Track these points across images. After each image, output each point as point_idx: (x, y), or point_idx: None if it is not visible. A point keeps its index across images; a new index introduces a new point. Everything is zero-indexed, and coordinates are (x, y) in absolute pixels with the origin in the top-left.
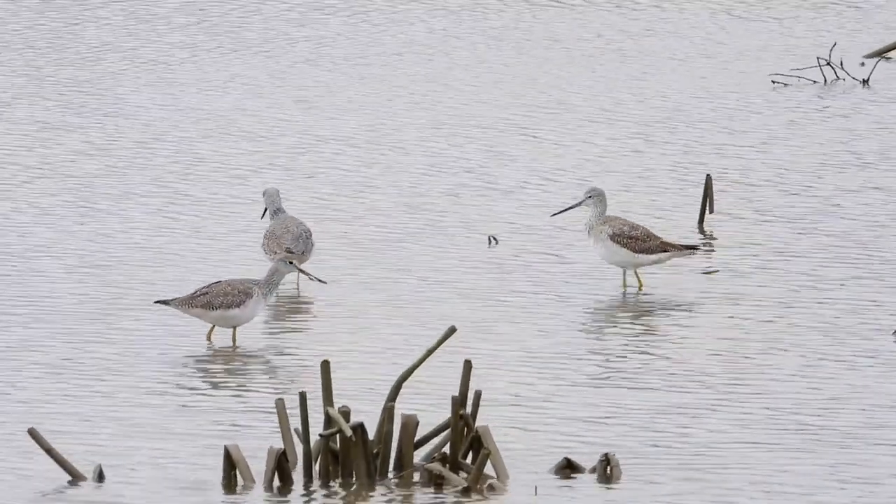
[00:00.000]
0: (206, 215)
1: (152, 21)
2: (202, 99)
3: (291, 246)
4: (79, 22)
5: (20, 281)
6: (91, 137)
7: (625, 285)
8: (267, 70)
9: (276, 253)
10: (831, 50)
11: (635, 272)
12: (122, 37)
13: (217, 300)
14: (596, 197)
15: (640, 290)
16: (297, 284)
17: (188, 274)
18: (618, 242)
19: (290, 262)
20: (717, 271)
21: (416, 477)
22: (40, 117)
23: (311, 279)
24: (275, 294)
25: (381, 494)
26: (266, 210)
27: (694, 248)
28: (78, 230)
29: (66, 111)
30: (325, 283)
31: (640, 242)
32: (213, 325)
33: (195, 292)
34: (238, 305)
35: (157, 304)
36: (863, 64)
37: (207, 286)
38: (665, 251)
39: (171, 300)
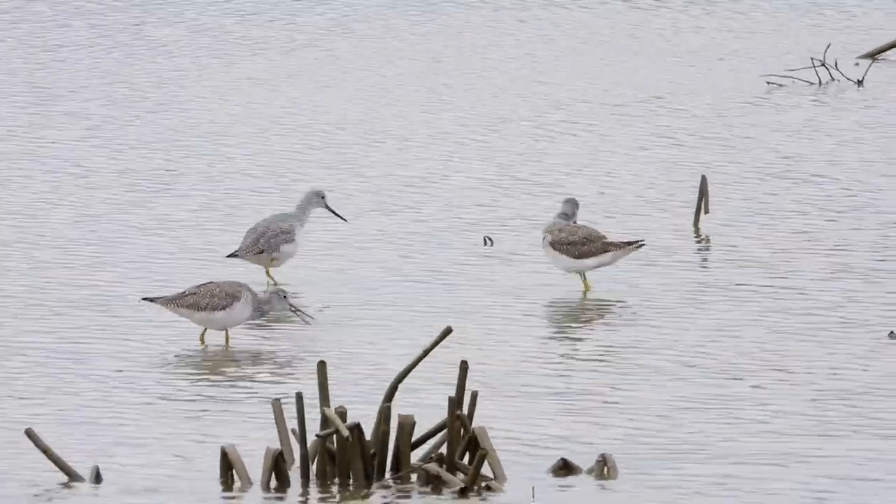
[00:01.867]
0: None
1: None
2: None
3: (240, 246)
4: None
5: (28, 274)
6: (150, 133)
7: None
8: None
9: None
10: (826, 51)
11: (583, 275)
12: (193, 33)
13: (203, 301)
14: (565, 204)
15: (585, 292)
16: (270, 281)
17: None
18: (557, 250)
19: (284, 297)
20: None
21: (413, 477)
22: (103, 112)
23: (298, 316)
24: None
25: (378, 495)
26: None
27: (638, 242)
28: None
29: (123, 107)
30: (310, 322)
31: (578, 247)
32: (204, 329)
33: (184, 292)
34: (223, 308)
35: (144, 301)
36: (857, 64)
37: (197, 286)
38: (607, 251)
39: (158, 298)
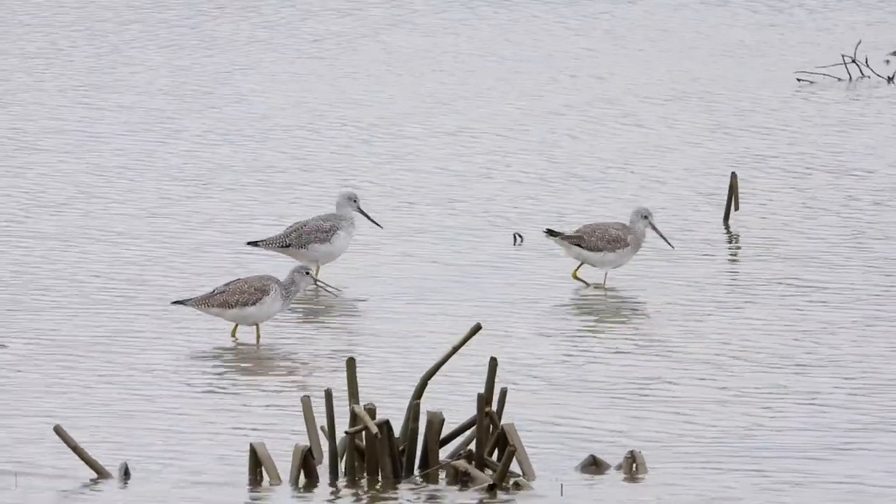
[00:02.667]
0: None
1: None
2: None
3: (269, 237)
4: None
5: (58, 272)
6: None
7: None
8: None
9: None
10: (856, 47)
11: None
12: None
13: (233, 298)
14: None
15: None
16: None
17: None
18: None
19: (307, 273)
20: None
21: (442, 474)
22: (156, 105)
23: (324, 289)
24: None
25: (407, 491)
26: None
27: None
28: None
29: (180, 101)
30: (337, 294)
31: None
32: (236, 324)
33: (213, 291)
34: (254, 303)
35: (175, 305)
36: (888, 61)
37: (226, 284)
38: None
39: (188, 300)
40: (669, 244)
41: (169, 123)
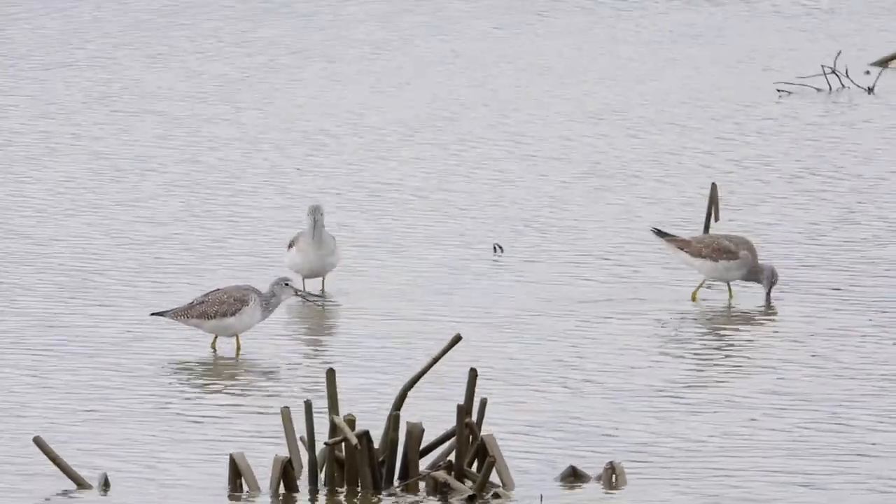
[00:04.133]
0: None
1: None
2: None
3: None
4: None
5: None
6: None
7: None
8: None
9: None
10: (836, 58)
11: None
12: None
13: (212, 309)
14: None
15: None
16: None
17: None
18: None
19: (287, 285)
20: None
21: (422, 485)
22: (197, 109)
23: (307, 301)
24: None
25: (387, 502)
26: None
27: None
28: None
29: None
30: (320, 305)
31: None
32: (216, 335)
33: (192, 302)
34: (233, 314)
35: (153, 317)
36: (868, 72)
37: (205, 295)
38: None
39: (167, 311)
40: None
41: (205, 127)
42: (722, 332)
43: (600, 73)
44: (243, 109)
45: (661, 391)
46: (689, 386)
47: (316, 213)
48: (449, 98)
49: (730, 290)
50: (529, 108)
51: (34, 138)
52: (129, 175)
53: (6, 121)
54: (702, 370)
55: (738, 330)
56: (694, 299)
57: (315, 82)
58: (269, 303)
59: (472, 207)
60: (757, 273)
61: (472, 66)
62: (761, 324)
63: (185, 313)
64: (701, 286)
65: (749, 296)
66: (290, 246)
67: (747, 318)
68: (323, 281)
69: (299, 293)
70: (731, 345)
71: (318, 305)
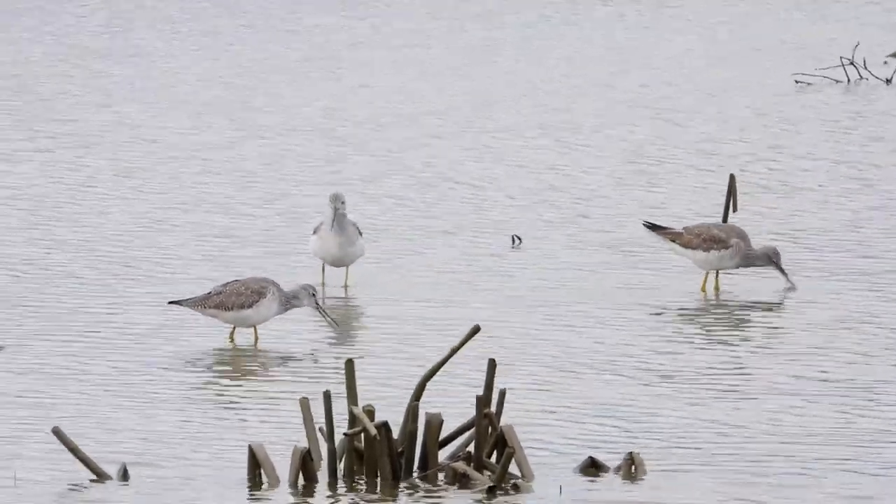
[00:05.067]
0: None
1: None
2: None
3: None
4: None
5: (52, 277)
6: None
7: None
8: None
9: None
10: (854, 49)
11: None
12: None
13: (230, 300)
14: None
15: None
16: (323, 281)
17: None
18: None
19: (312, 295)
20: None
21: (441, 476)
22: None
23: (324, 317)
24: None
25: (406, 493)
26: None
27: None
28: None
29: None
30: (334, 326)
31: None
32: (234, 326)
33: (210, 292)
34: (250, 306)
35: (172, 305)
36: (886, 62)
37: (223, 285)
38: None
39: (185, 300)
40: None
41: (249, 114)
42: (747, 319)
43: (629, 64)
44: (285, 97)
45: (681, 382)
46: (710, 376)
47: (336, 201)
48: (484, 87)
49: (717, 280)
50: (559, 99)
51: (87, 127)
52: (168, 163)
53: (78, 111)
54: (722, 358)
55: (765, 317)
56: (703, 291)
57: (358, 71)
58: (288, 301)
59: (499, 196)
60: (753, 259)
61: (512, 56)
62: (785, 311)
63: (202, 303)
64: (707, 278)
65: (772, 281)
66: (314, 232)
67: (773, 306)
68: (347, 271)
69: (319, 308)
70: (758, 331)
71: (333, 326)
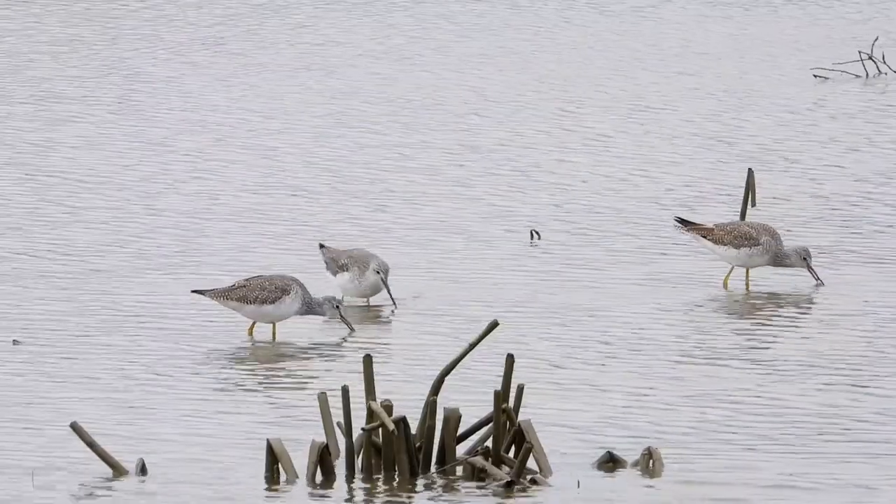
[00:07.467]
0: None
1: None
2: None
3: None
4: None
5: (76, 268)
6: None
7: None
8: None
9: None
10: (873, 44)
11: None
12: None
13: (252, 294)
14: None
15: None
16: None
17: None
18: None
19: (336, 307)
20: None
21: (459, 471)
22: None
23: (345, 324)
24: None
25: (424, 488)
26: None
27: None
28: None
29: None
30: (353, 330)
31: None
32: (254, 321)
33: (233, 285)
34: (272, 302)
35: (195, 294)
36: None
37: (247, 279)
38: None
39: (208, 291)
40: (820, 280)
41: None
42: (770, 314)
43: (634, 61)
44: (316, 89)
45: (700, 377)
46: (729, 371)
47: (382, 270)
48: (501, 83)
49: (746, 278)
50: (575, 95)
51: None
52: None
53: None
54: (742, 354)
55: (787, 311)
56: (726, 286)
57: (390, 65)
58: (310, 305)
59: (512, 194)
60: (783, 258)
61: (538, 50)
62: (810, 304)
63: (224, 294)
64: (731, 272)
65: (799, 280)
66: (343, 268)
67: (797, 299)
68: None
69: (341, 318)
70: (779, 326)
71: (352, 329)
